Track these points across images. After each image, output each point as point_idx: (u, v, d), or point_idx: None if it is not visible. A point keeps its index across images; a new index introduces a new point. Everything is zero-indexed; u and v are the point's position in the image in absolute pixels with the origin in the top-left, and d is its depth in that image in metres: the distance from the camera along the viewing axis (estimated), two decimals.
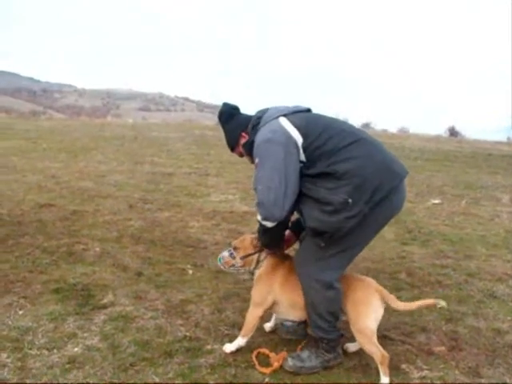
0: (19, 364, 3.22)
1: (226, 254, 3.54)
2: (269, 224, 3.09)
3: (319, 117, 3.20)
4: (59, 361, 3.26)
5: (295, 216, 3.36)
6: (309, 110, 3.29)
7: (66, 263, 4.99)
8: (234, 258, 3.50)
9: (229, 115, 3.36)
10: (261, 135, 3.07)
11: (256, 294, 3.43)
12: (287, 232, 3.51)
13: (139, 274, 4.79)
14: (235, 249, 3.51)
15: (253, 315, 3.40)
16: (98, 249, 5.46)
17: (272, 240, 3.33)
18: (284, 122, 3.05)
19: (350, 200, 2.85)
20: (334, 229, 2.93)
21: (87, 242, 5.69)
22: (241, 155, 3.43)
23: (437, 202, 8.91)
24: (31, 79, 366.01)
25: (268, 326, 3.80)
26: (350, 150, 2.96)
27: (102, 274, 4.76)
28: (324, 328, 3.23)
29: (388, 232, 6.53)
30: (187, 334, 3.68)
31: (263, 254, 3.48)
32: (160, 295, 4.33)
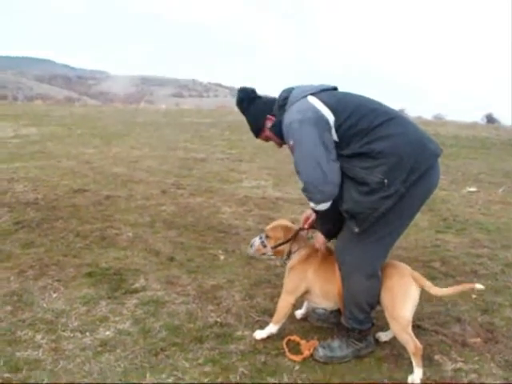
0: (53, 345, 3.28)
1: (257, 240, 3.50)
2: (324, 206, 2.96)
3: (349, 95, 3.10)
4: (91, 343, 3.31)
5: None
6: (335, 89, 3.18)
7: (99, 247, 5.05)
8: (265, 246, 3.46)
9: (249, 101, 3.27)
10: (290, 116, 2.97)
11: (289, 282, 3.40)
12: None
13: (171, 259, 4.81)
14: (267, 237, 3.46)
15: (285, 302, 3.38)
16: (130, 233, 5.50)
17: (332, 223, 3.19)
18: (313, 100, 2.95)
19: (385, 180, 2.78)
20: (369, 209, 2.84)
21: (120, 226, 5.73)
22: (266, 140, 3.36)
23: (473, 189, 8.72)
24: (66, 66, 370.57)
25: (299, 313, 3.77)
26: (384, 128, 2.87)
27: (134, 258, 4.80)
28: (360, 319, 3.19)
29: (422, 220, 6.43)
30: (218, 319, 3.68)
31: (295, 246, 3.43)
32: (191, 280, 4.34)
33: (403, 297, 3.05)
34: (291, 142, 2.96)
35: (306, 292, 3.37)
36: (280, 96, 3.15)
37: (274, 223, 3.57)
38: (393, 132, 2.87)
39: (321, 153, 2.84)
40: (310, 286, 3.33)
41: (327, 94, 3.04)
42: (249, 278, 4.47)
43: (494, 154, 13.04)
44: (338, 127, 2.89)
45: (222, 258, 4.94)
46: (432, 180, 2.99)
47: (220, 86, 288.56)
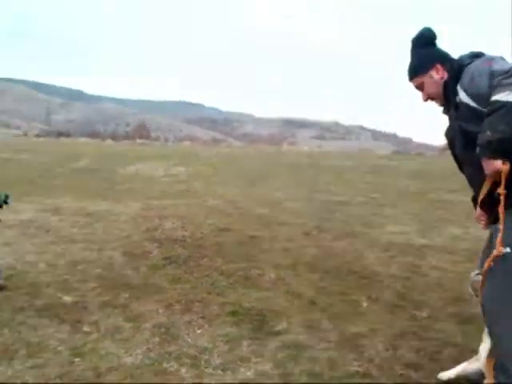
0: (196, 381, 3.34)
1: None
2: None
3: None
4: (232, 383, 3.33)
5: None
6: None
7: (242, 287, 5.13)
8: None
9: (429, 41, 3.12)
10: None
11: None
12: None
13: (313, 303, 4.76)
14: None
15: None
16: (272, 275, 5.54)
17: None
18: None
19: None
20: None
21: (263, 267, 5.80)
22: (419, 87, 3.16)
23: None
24: (214, 109, 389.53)
25: (446, 375, 3.45)
26: None
27: (276, 300, 4.81)
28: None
29: None
30: (359, 369, 3.54)
31: None
32: (333, 326, 4.25)
33: None
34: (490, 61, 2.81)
35: None
36: (470, 52, 3.02)
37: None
38: None
39: None
40: None
41: None
42: (392, 327, 4.29)
43: None
44: None
45: (364, 305, 4.80)
46: None
47: (362, 128, 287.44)
